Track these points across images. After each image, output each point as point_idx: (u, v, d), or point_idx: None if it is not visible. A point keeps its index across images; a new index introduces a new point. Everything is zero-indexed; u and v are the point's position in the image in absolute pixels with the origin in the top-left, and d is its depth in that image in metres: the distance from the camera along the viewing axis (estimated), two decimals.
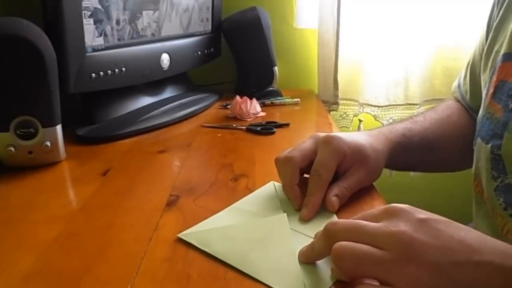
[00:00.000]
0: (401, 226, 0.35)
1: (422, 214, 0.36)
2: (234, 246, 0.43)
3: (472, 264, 0.32)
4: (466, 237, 0.34)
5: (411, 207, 0.37)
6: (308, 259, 0.41)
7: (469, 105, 0.70)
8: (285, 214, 0.48)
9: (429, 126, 0.65)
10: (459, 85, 0.74)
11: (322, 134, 0.54)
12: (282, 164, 0.52)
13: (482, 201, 0.57)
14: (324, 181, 0.50)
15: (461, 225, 0.36)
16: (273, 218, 0.48)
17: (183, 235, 0.46)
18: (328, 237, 0.38)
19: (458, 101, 0.73)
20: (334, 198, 0.49)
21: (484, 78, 0.61)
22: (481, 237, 0.34)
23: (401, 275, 0.33)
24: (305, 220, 0.48)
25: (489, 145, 0.54)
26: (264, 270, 0.40)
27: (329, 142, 0.52)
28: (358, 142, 0.53)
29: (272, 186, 0.57)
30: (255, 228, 0.46)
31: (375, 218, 0.38)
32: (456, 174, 0.75)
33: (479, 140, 0.57)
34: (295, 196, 0.51)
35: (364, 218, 0.39)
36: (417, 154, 0.62)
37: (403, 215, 0.36)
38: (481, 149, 0.56)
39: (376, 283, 0.35)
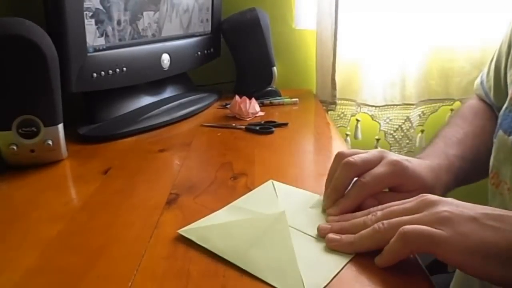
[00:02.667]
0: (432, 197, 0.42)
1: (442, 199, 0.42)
2: (233, 243, 0.44)
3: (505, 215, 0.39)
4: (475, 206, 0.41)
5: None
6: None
7: (493, 102, 0.68)
8: (284, 211, 0.49)
9: (472, 145, 0.63)
10: (482, 82, 0.72)
11: (394, 156, 0.52)
12: (343, 166, 0.51)
13: (497, 193, 0.58)
14: (367, 190, 0.49)
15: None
16: (272, 215, 0.49)
17: (183, 231, 0.46)
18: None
19: (481, 99, 0.72)
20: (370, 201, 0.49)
21: (511, 73, 0.60)
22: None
23: (436, 218, 0.40)
24: (328, 214, 0.49)
25: (511, 137, 0.53)
26: (263, 267, 0.41)
27: (394, 164, 0.50)
28: (422, 174, 0.52)
29: (271, 185, 0.57)
30: (254, 225, 0.47)
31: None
32: None
33: (500, 132, 0.56)
34: (333, 198, 0.50)
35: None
36: (466, 177, 0.62)
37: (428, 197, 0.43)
38: (503, 142, 0.55)
39: None
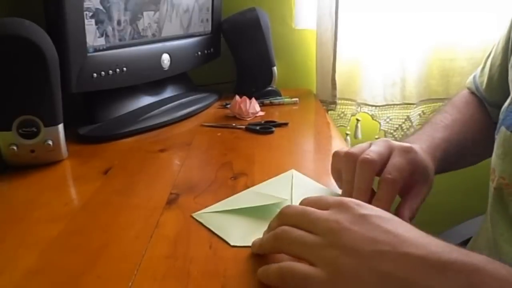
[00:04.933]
0: (338, 217, 0.37)
1: (367, 210, 0.38)
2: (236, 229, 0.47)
3: (395, 254, 0.33)
4: (398, 230, 0.35)
5: (361, 203, 0.39)
6: (264, 235, 0.43)
7: (483, 96, 0.70)
8: (287, 200, 0.52)
9: (460, 131, 0.65)
10: (474, 76, 0.73)
11: (398, 143, 0.51)
12: (361, 166, 0.48)
13: (492, 187, 0.58)
14: (397, 187, 0.47)
15: (407, 224, 0.37)
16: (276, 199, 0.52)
17: (196, 215, 0.50)
18: (281, 218, 0.42)
19: (472, 92, 0.73)
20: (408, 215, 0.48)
21: None
22: (416, 233, 0.35)
23: (322, 256, 0.35)
24: None
25: None
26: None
27: (408, 152, 0.50)
28: (426, 162, 0.52)
29: (291, 174, 0.60)
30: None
31: (327, 206, 0.39)
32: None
33: (502, 128, 0.56)
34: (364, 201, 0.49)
35: (321, 202, 0.41)
36: (452, 162, 0.62)
37: (348, 209, 0.38)
38: (505, 138, 0.55)
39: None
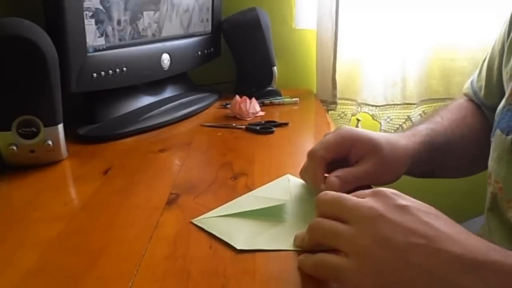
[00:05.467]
0: (374, 204, 0.36)
1: (405, 201, 0.37)
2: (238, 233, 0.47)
3: (429, 249, 0.32)
4: (436, 224, 0.34)
5: (398, 193, 0.38)
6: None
7: (482, 102, 0.69)
8: (286, 203, 0.52)
9: (448, 126, 0.64)
10: (472, 81, 0.72)
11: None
12: (308, 162, 0.53)
13: (489, 191, 0.58)
14: (319, 157, 0.51)
15: (447, 218, 0.36)
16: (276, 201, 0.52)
17: (196, 220, 0.49)
18: (317, 206, 0.41)
19: (470, 99, 0.72)
20: (333, 179, 0.50)
21: (506, 71, 0.60)
22: (456, 229, 0.34)
23: (353, 245, 0.35)
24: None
25: (509, 137, 0.53)
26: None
27: (339, 129, 0.53)
28: (371, 135, 0.53)
29: (287, 178, 0.59)
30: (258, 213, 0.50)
31: (363, 196, 0.39)
32: None
33: (497, 131, 0.56)
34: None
35: (357, 193, 0.40)
36: (439, 155, 0.62)
37: (385, 197, 0.37)
38: (500, 141, 0.55)
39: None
